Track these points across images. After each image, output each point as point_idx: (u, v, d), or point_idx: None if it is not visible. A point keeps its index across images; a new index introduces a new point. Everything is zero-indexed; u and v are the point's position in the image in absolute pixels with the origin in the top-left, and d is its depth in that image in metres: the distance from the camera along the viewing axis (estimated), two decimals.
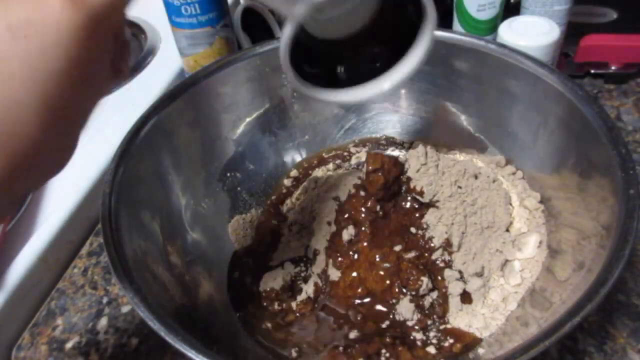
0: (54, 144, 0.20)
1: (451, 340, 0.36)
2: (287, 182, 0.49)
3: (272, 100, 0.48)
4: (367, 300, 0.39)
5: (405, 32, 0.32)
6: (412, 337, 0.36)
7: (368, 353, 0.36)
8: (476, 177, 0.43)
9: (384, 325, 0.38)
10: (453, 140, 0.49)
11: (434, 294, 0.38)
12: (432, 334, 0.37)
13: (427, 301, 0.38)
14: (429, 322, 0.37)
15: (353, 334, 0.37)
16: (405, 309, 0.37)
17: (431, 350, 0.35)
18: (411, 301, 0.38)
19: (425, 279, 0.38)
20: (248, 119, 0.48)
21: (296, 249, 0.43)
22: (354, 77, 0.34)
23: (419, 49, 0.32)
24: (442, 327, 0.37)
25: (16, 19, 0.17)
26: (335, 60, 0.34)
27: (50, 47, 0.18)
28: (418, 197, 0.42)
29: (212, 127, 0.46)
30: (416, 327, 0.37)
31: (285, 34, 0.27)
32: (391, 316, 0.38)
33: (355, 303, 0.39)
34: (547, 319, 0.32)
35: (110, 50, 0.21)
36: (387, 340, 0.36)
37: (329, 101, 0.33)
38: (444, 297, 0.38)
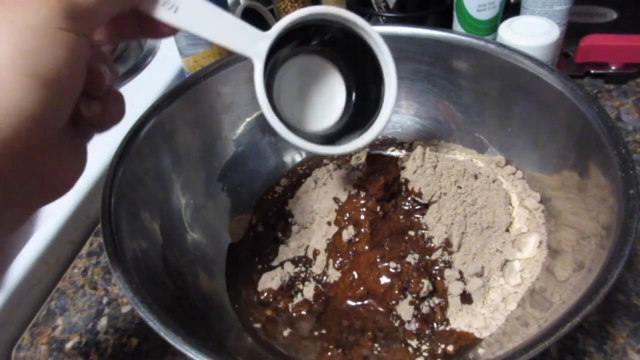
0: (53, 121, 0.21)
1: (442, 346, 0.36)
2: (278, 189, 0.49)
3: None
4: (366, 301, 0.39)
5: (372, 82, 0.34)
6: (407, 342, 0.36)
7: (365, 354, 0.36)
8: (476, 178, 0.43)
9: (382, 326, 0.38)
10: (453, 140, 0.49)
11: (435, 300, 0.38)
12: (424, 346, 0.36)
13: (427, 307, 0.38)
14: (427, 331, 0.37)
15: (351, 334, 0.37)
16: (404, 311, 0.37)
17: None
18: (411, 303, 0.38)
19: (426, 282, 0.38)
20: (248, 119, 0.48)
21: (296, 249, 0.43)
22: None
23: (387, 107, 0.34)
24: (441, 328, 0.37)
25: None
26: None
27: (30, 28, 0.19)
28: (417, 198, 0.42)
29: (212, 127, 0.46)
30: (413, 331, 0.37)
31: (257, 74, 0.28)
32: (390, 318, 0.38)
33: (355, 304, 0.39)
34: (547, 319, 0.32)
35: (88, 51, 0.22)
36: (384, 341, 0.36)
37: (308, 150, 0.33)
38: (445, 303, 0.38)
